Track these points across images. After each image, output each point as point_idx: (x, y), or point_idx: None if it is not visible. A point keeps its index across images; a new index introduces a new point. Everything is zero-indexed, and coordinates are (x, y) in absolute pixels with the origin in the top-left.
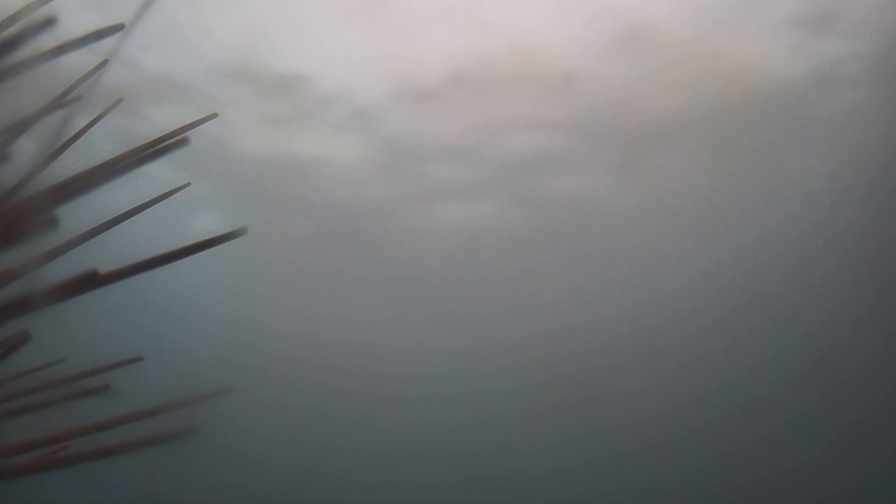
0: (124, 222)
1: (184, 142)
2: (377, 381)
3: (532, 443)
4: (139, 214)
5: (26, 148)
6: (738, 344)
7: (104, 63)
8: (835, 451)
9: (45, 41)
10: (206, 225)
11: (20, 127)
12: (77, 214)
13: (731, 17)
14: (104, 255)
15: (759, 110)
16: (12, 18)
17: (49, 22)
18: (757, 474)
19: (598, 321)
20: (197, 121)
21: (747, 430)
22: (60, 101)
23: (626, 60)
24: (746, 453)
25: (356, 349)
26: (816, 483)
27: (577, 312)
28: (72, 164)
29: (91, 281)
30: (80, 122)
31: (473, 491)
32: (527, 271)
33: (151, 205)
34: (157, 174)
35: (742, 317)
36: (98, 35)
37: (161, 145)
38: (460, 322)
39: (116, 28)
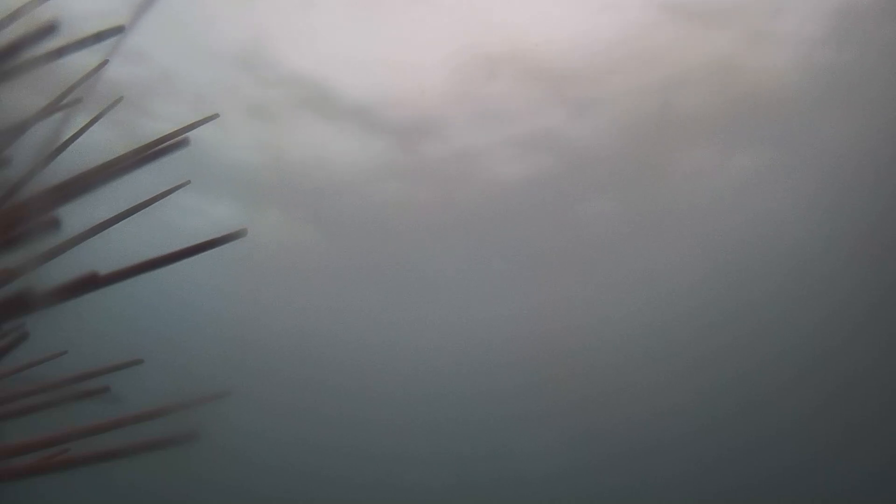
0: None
1: (184, 142)
2: (379, 381)
3: (534, 442)
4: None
5: (26, 148)
6: (739, 345)
7: (104, 64)
8: (835, 452)
9: (46, 43)
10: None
11: (20, 128)
12: (77, 214)
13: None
14: (103, 255)
15: (761, 114)
16: (12, 17)
17: (51, 27)
18: (757, 474)
19: (602, 321)
20: (197, 121)
21: (748, 430)
22: (60, 103)
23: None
24: (747, 453)
25: (357, 350)
26: (816, 483)
27: (581, 312)
28: (72, 164)
29: (91, 282)
30: (81, 122)
31: (475, 490)
32: (531, 269)
33: (150, 203)
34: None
35: (743, 318)
36: (98, 37)
37: (161, 146)
38: (462, 321)
39: (117, 30)
